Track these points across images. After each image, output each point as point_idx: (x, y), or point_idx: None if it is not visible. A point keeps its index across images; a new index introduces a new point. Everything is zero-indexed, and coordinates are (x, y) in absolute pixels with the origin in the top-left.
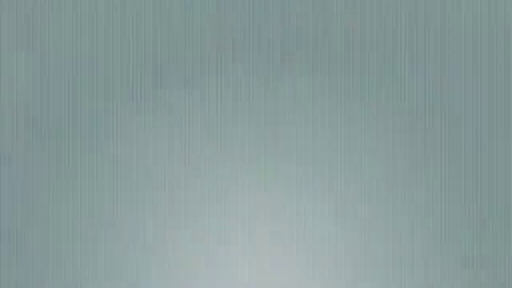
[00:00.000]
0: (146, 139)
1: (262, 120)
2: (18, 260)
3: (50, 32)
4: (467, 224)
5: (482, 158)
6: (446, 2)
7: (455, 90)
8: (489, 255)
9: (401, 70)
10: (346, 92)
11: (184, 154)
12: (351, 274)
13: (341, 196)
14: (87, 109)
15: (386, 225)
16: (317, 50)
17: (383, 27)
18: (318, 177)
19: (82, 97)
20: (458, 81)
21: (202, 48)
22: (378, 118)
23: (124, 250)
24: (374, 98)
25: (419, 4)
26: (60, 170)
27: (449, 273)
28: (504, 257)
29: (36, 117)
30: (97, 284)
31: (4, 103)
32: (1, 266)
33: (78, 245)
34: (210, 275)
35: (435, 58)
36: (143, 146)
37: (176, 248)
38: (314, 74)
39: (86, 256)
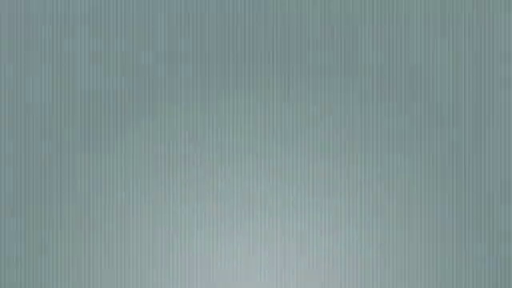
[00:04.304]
0: (152, 142)
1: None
2: (20, 259)
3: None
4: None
5: (484, 167)
6: (446, 5)
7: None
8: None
9: (401, 85)
10: (346, 109)
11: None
12: None
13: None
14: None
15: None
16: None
17: (381, 49)
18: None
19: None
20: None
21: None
22: (378, 130)
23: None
24: (374, 112)
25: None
26: (62, 170)
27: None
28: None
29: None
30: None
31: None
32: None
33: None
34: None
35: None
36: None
37: (181, 249)
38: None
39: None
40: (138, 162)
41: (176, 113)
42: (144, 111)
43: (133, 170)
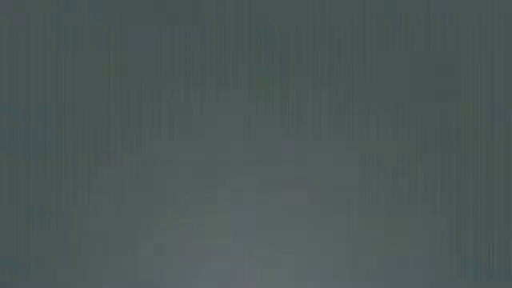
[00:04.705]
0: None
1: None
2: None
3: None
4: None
5: (482, 160)
6: (446, 6)
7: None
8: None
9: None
10: (347, 105)
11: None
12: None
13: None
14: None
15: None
16: (317, 64)
17: (384, 45)
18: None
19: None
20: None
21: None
22: (379, 126)
23: (135, 249)
24: (373, 109)
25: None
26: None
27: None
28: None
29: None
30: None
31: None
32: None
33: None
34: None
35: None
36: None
37: (188, 246)
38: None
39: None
40: (140, 162)
41: (176, 113)
42: (144, 111)
43: (133, 169)
